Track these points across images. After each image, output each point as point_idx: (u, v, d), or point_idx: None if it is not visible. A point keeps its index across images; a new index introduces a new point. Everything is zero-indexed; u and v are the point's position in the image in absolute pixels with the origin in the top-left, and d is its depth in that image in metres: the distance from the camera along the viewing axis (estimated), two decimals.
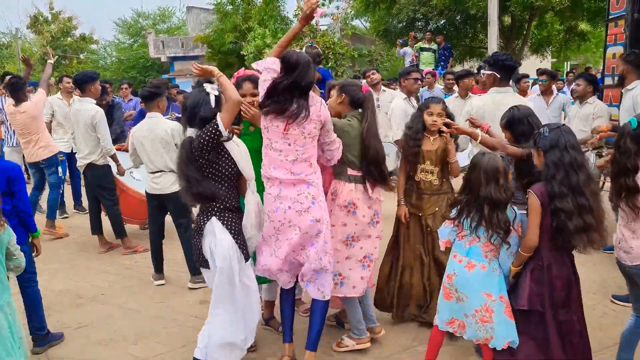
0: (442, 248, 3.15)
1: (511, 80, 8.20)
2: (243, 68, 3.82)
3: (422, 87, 10.31)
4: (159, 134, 4.81)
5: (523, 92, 7.20)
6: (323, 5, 25.63)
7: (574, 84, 5.96)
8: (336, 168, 3.45)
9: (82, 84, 5.80)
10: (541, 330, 2.77)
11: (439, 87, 9.72)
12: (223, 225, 3.00)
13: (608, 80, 6.80)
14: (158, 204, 4.95)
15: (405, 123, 4.03)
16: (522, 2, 12.41)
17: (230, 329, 3.03)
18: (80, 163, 5.85)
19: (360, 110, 3.50)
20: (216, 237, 2.98)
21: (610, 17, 6.82)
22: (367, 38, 23.08)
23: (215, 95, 3.05)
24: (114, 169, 6.00)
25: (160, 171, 4.86)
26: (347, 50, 18.76)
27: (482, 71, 4.61)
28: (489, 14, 11.40)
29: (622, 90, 5.13)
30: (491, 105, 4.24)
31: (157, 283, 5.00)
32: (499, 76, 4.26)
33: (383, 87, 7.27)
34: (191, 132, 3.04)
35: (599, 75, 7.78)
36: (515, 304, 2.80)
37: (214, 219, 3.01)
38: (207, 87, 3.12)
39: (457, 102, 6.98)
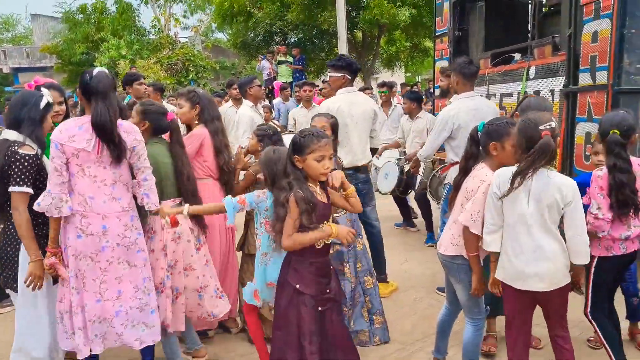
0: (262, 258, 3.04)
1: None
2: (39, 76, 3.57)
3: (276, 100, 10.55)
4: None
5: (307, 102, 7.56)
6: (184, 17, 25.34)
7: (402, 102, 6.48)
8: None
9: None
10: None
11: (292, 99, 9.98)
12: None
13: (438, 92, 7.45)
14: None
15: None
16: (369, 19, 13.17)
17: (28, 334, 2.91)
18: None
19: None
20: (22, 251, 2.86)
21: (437, 34, 7.50)
22: (231, 51, 23.08)
23: (47, 101, 2.92)
24: None
25: None
26: (208, 63, 18.60)
27: (329, 74, 4.74)
28: (338, 30, 11.98)
29: (447, 103, 5.63)
30: (346, 104, 4.38)
31: None
32: (349, 77, 4.46)
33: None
34: (8, 133, 2.85)
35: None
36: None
37: None
38: (45, 91, 2.98)
39: (301, 111, 7.27)
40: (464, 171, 3.01)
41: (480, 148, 2.95)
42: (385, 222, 6.92)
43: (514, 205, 2.64)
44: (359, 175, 4.42)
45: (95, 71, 2.85)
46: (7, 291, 3.12)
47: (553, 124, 2.60)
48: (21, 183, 2.79)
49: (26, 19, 38.83)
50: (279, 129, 5.39)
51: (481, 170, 2.89)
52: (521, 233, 2.64)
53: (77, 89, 2.93)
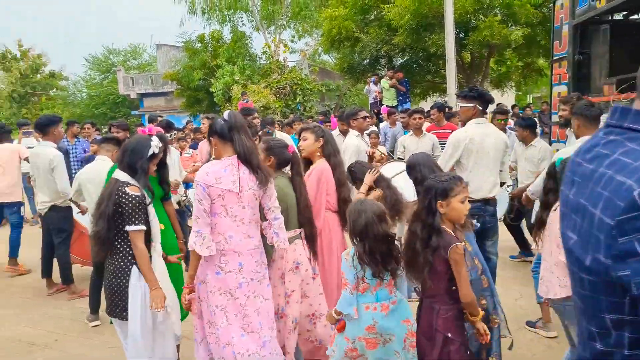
0: (356, 316, 2.93)
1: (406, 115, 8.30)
2: (154, 125, 3.94)
3: (383, 124, 10.60)
4: (104, 178, 4.87)
5: (418, 130, 7.32)
6: (292, 41, 26.29)
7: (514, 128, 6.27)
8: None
9: (45, 127, 5.84)
10: None
11: (399, 124, 9.97)
12: (140, 272, 3.10)
13: (555, 118, 7.12)
14: None
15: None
16: (479, 40, 12.88)
17: None
18: (42, 207, 5.85)
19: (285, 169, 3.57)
20: (131, 283, 3.08)
21: (554, 58, 7.20)
22: (337, 73, 23.59)
23: (154, 152, 3.17)
24: (75, 211, 5.99)
25: None
26: (315, 86, 19.15)
27: (459, 104, 4.72)
28: (447, 53, 11.83)
29: (567, 132, 5.38)
30: (478, 136, 4.35)
31: (92, 324, 5.04)
32: (480, 108, 4.42)
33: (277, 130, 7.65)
34: (120, 174, 3.12)
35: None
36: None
37: (134, 266, 3.11)
38: (154, 140, 3.23)
39: (412, 139, 7.23)
40: (545, 205, 3.04)
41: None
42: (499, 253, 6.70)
43: None
44: (488, 208, 4.34)
45: (226, 115, 3.06)
46: (113, 320, 3.33)
47: None
48: (136, 222, 3.03)
49: (151, 48, 42.21)
50: (383, 156, 5.44)
51: None
52: None
53: (212, 137, 3.09)
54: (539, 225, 3.09)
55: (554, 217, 2.97)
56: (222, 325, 2.97)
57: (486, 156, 4.34)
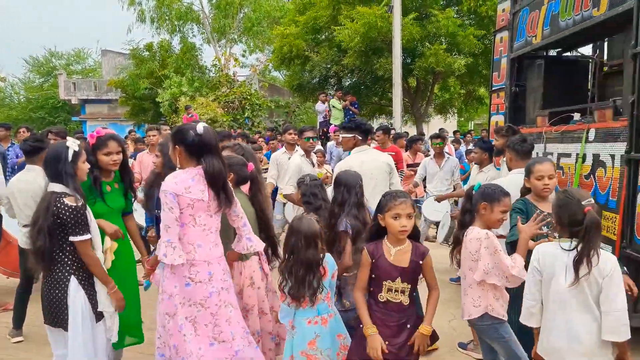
0: (289, 328, 3.05)
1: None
2: (101, 127, 3.87)
3: (330, 143, 10.71)
4: (35, 188, 4.63)
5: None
6: (243, 56, 26.26)
7: (472, 150, 6.43)
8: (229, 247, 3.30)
9: None
10: None
11: None
12: (79, 282, 3.07)
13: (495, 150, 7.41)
14: None
15: None
16: (424, 67, 13.31)
17: None
18: None
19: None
20: (70, 293, 3.05)
21: (493, 88, 7.51)
22: (286, 90, 23.73)
23: (74, 150, 3.09)
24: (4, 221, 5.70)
25: None
26: (264, 102, 19.17)
27: (341, 135, 5.06)
28: (393, 78, 12.16)
29: (501, 161, 5.60)
30: (356, 162, 4.65)
31: (14, 340, 4.84)
32: (360, 138, 4.83)
33: None
34: (54, 186, 3.04)
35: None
36: None
37: (72, 276, 3.07)
38: (69, 141, 3.14)
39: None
40: (461, 225, 3.27)
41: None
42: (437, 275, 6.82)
43: (551, 281, 2.64)
44: None
45: (201, 129, 2.93)
46: (50, 330, 3.23)
47: (592, 200, 2.65)
48: (81, 232, 2.99)
49: (96, 54, 40.98)
50: (320, 178, 5.49)
51: (474, 232, 3.09)
52: (557, 309, 2.63)
53: (176, 146, 2.99)
54: (455, 244, 3.27)
55: (466, 240, 3.12)
56: (189, 337, 2.90)
57: (371, 179, 4.60)
